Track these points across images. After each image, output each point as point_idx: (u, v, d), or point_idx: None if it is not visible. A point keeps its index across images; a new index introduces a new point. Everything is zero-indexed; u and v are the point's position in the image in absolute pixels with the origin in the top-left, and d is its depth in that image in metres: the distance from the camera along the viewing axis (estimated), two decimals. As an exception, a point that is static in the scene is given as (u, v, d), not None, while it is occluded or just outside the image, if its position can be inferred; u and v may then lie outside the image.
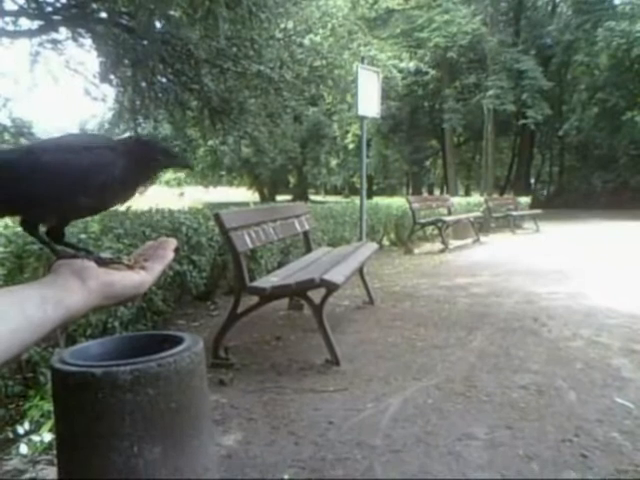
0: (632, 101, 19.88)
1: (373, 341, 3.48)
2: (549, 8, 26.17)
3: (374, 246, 4.71)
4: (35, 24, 7.67)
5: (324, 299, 3.11)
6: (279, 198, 27.78)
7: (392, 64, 13.40)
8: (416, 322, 3.94)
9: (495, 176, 25.35)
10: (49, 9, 7.38)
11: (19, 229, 2.22)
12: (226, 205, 13.30)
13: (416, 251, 8.36)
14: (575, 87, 24.54)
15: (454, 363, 3.04)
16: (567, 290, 5.11)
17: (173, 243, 0.68)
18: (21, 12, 7.41)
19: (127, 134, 9.72)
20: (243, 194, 30.88)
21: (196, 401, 1.41)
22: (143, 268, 0.63)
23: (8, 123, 7.71)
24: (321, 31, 9.35)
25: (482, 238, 10.03)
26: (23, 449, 1.98)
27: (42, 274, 2.29)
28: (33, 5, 7.31)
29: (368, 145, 19.99)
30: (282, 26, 8.27)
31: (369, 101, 5.71)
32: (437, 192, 31.67)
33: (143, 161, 0.67)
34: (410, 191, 30.45)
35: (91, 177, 0.62)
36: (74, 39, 7.92)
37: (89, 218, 2.78)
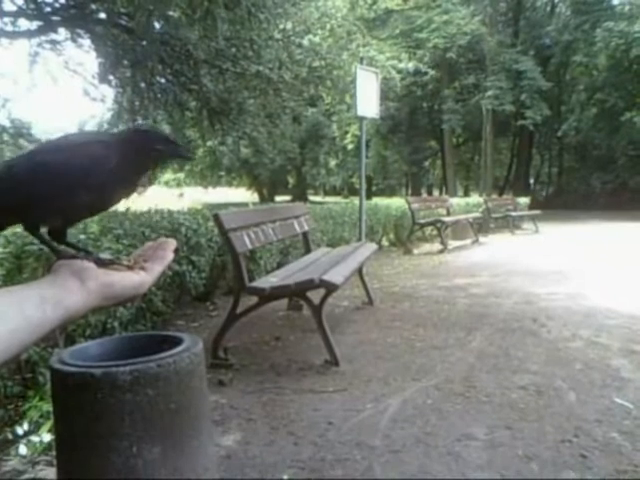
0: (631, 102, 19.89)
1: (372, 342, 3.48)
2: (548, 9, 26.19)
3: (373, 247, 4.71)
4: (34, 25, 7.67)
5: (323, 299, 3.11)
6: (278, 199, 27.79)
7: (391, 65, 13.41)
8: (415, 323, 3.94)
9: (494, 177, 25.36)
10: (48, 10, 7.38)
11: (18, 229, 2.22)
12: (225, 206, 13.30)
13: (415, 252, 8.36)
14: (574, 88, 24.58)
15: (453, 364, 3.04)
16: (566, 291, 5.11)
17: (172, 244, 0.68)
18: (20, 13, 7.41)
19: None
20: (242, 195, 30.87)
21: (195, 401, 1.41)
22: (143, 269, 0.63)
23: (7, 124, 7.71)
24: (320, 32, 9.35)
25: (481, 239, 10.03)
26: (22, 450, 1.98)
27: (41, 274, 2.29)
28: (32, 6, 7.31)
29: (367, 146, 19.98)
30: (281, 27, 8.27)
31: (368, 102, 5.71)
32: (436, 193, 31.68)
33: (143, 151, 0.66)
34: (409, 192, 30.47)
35: (89, 171, 0.62)
36: (73, 40, 7.92)
37: (89, 219, 2.78)
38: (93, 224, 2.88)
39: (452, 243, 9.26)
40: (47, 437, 1.99)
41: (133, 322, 3.15)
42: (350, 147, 22.84)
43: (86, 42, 8.00)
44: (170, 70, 7.98)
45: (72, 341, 2.49)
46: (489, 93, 20.49)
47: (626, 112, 18.97)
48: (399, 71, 14.47)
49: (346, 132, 21.70)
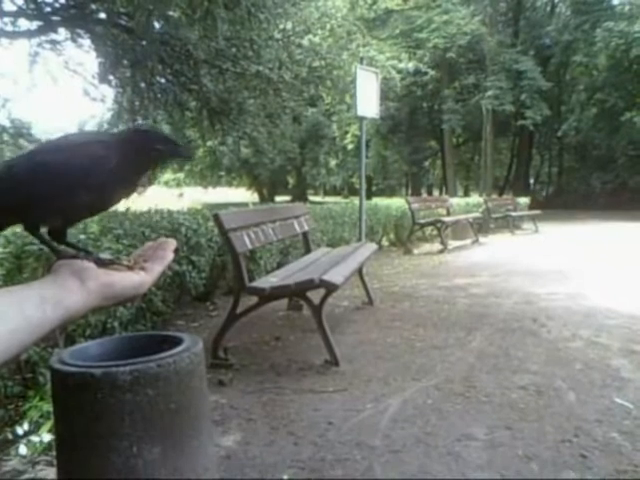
0: (631, 102, 19.90)
1: (372, 342, 3.48)
2: (548, 9, 26.20)
3: (373, 246, 4.71)
4: (34, 25, 7.67)
5: (323, 299, 3.11)
6: (278, 199, 27.77)
7: (391, 65, 13.42)
8: (415, 322, 3.94)
9: (494, 177, 25.36)
10: (48, 10, 7.38)
11: (18, 229, 2.22)
12: (225, 206, 13.29)
13: (415, 251, 8.36)
14: (574, 88, 24.58)
15: (453, 364, 3.04)
16: (566, 291, 5.11)
17: (172, 244, 0.68)
18: (20, 13, 7.41)
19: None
20: (242, 195, 30.86)
21: (195, 401, 1.41)
22: (143, 269, 0.63)
23: (7, 124, 7.71)
24: (320, 32, 9.35)
25: (481, 239, 10.03)
26: (22, 450, 1.98)
27: (41, 274, 2.29)
28: (32, 6, 7.31)
29: (367, 146, 19.98)
30: (281, 27, 8.27)
31: (368, 102, 5.71)
32: (436, 193, 31.69)
33: (143, 151, 0.66)
34: (409, 192, 30.48)
35: (89, 171, 0.62)
36: (73, 40, 7.92)
37: (89, 219, 2.78)
38: (93, 224, 2.88)
39: (452, 243, 9.26)
40: (47, 437, 1.99)
41: (133, 322, 3.15)
42: (350, 147, 22.84)
43: (86, 42, 8.01)
44: (170, 70, 7.98)
45: (72, 341, 2.49)
46: (489, 93, 20.49)
47: (626, 112, 18.97)
48: (399, 71, 14.48)
49: (346, 132, 21.70)
